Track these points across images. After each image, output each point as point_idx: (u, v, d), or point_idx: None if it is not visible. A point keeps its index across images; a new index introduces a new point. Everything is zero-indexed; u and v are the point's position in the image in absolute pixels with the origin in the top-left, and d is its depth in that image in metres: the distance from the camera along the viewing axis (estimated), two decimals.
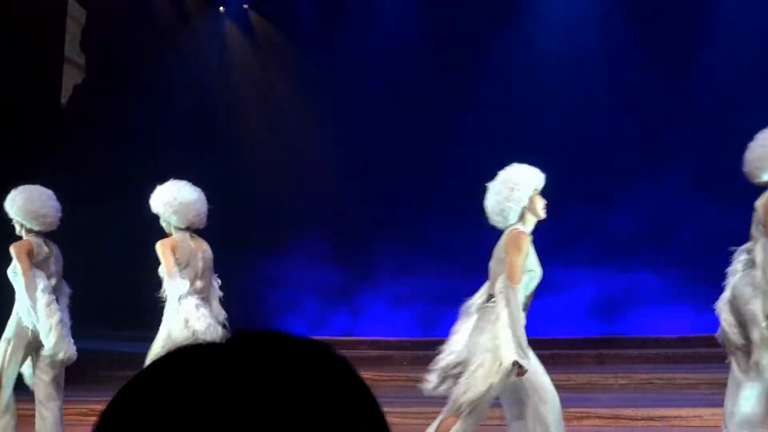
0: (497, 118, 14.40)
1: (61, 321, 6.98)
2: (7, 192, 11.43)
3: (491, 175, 14.21)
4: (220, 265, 14.09)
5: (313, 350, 0.95)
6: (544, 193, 13.61)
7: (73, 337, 7.15)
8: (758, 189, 6.13)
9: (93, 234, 12.91)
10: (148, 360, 6.00)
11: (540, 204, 6.28)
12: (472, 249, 14.33)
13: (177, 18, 15.10)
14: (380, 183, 14.71)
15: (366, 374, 9.22)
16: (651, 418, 8.37)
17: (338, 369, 0.93)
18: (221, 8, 15.52)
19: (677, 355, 11.39)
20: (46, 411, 6.77)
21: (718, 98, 13.75)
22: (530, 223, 6.30)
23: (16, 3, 11.45)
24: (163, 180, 14.26)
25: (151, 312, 12.59)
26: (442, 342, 12.26)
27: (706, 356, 11.17)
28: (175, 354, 0.88)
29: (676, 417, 8.36)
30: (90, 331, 12.35)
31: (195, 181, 14.43)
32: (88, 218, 13.26)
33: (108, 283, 12.92)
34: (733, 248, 6.57)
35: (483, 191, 13.83)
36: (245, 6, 15.56)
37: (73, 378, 8.23)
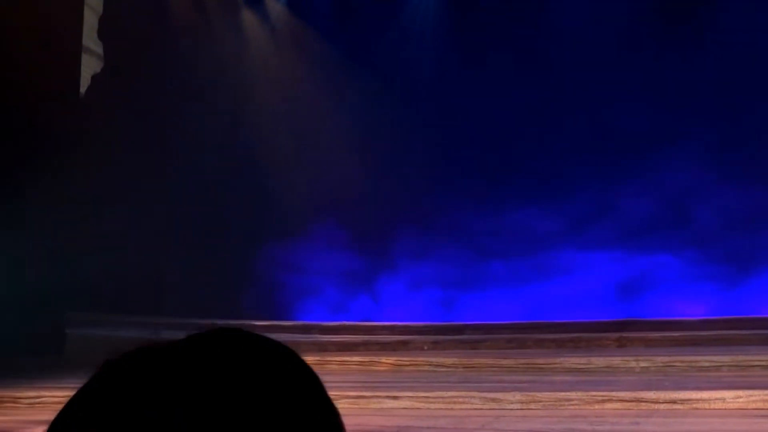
0: (513, 101, 14.30)
1: None
2: (29, 184, 11.53)
3: (509, 158, 14.30)
4: (241, 252, 14.35)
5: (260, 346, 0.92)
6: (561, 174, 13.56)
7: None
8: None
9: (112, 227, 12.95)
10: None
11: None
12: (490, 233, 14.46)
13: (194, 6, 15.01)
14: (398, 168, 14.62)
15: (386, 359, 9.20)
16: (673, 401, 8.22)
17: (284, 362, 0.91)
18: None
19: (699, 338, 11.24)
20: None
21: (734, 76, 13.57)
22: None
23: None
24: (182, 170, 14.36)
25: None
26: (462, 327, 12.43)
27: (729, 338, 11.11)
28: (130, 355, 0.88)
29: (699, 399, 8.21)
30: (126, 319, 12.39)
31: (214, 170, 14.72)
32: (108, 211, 13.30)
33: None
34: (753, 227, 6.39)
35: (500, 174, 13.85)
36: None
37: None
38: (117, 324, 12.33)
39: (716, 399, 8.10)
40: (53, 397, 8.06)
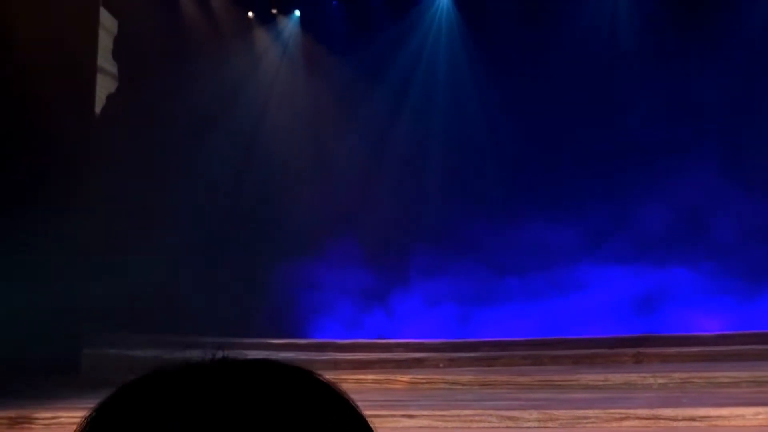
0: (528, 116, 14.31)
1: None
2: (45, 203, 11.61)
3: (523, 173, 14.27)
4: (256, 269, 14.37)
5: (297, 376, 0.86)
6: (577, 189, 13.53)
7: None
8: None
9: (127, 246, 13.04)
10: None
11: None
12: (505, 248, 14.39)
13: (207, 25, 15.11)
14: (412, 185, 14.67)
15: (402, 377, 9.13)
16: (692, 419, 8.12)
17: (325, 395, 0.87)
18: (250, 13, 15.50)
19: (717, 353, 11.11)
20: None
21: (751, 88, 13.49)
22: None
23: (49, 14, 11.49)
24: (196, 188, 14.42)
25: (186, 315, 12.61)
26: (477, 344, 12.36)
27: (747, 354, 10.97)
28: (153, 376, 0.84)
29: (718, 417, 8.10)
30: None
31: (228, 188, 14.78)
32: (123, 230, 13.36)
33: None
34: None
35: (514, 189, 13.83)
36: (274, 11, 15.54)
37: None
38: (132, 343, 12.35)
39: (736, 416, 8.00)
40: (69, 418, 8.05)
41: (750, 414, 7.83)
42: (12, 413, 8.38)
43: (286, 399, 0.83)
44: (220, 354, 0.88)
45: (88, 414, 0.85)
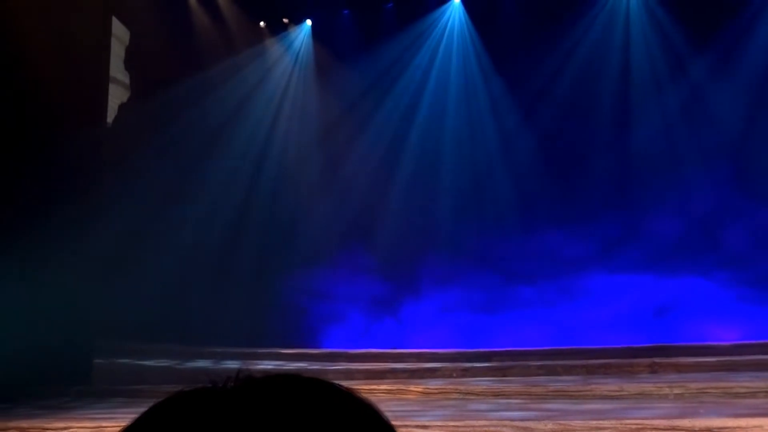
0: (539, 126, 14.31)
1: None
2: (56, 214, 11.64)
3: (535, 181, 14.16)
4: (267, 279, 14.35)
5: (320, 390, 0.85)
6: (588, 198, 13.43)
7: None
8: None
9: (138, 256, 13.06)
10: None
11: None
12: (518, 257, 14.32)
13: (219, 35, 15.15)
14: (423, 194, 14.64)
15: (415, 387, 9.03)
16: (709, 429, 8.00)
17: (365, 416, 0.85)
18: (261, 23, 15.53)
19: (733, 363, 10.98)
20: None
21: (763, 99, 13.43)
22: None
23: (61, 24, 11.54)
24: (207, 198, 14.42)
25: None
26: (490, 353, 12.28)
27: (764, 363, 10.83)
28: (181, 398, 0.82)
29: (736, 428, 7.98)
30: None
31: (239, 198, 14.78)
32: (134, 240, 13.37)
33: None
34: None
35: (527, 198, 13.72)
36: (285, 21, 15.56)
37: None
38: (143, 353, 12.36)
39: (754, 427, 7.87)
40: (81, 428, 8.03)
41: None
42: (24, 423, 8.36)
43: (314, 415, 0.82)
44: (243, 372, 0.85)
45: None
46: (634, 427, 7.99)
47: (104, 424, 7.81)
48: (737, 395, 9.42)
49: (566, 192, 14.06)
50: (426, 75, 15.08)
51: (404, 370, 11.64)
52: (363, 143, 14.87)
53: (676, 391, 9.66)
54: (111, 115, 13.83)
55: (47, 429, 8.41)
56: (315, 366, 12.06)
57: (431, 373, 11.54)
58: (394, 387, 10.53)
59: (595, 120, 14.13)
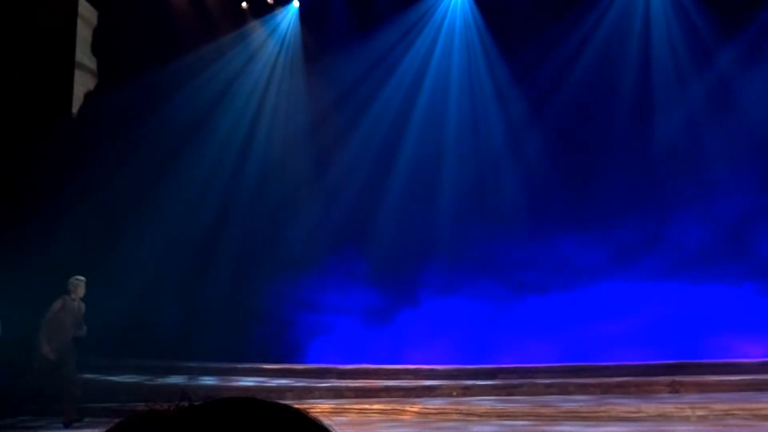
0: (551, 120, 14.33)
1: None
2: (15, 218, 11.65)
3: (546, 182, 14.19)
4: (247, 288, 14.34)
5: (288, 419, 0.87)
6: (604, 200, 13.46)
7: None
8: None
9: (106, 265, 13.08)
10: None
11: None
12: (527, 265, 14.16)
13: (197, 17, 15.15)
14: (423, 194, 14.64)
15: (411, 407, 9.09)
16: None
17: None
18: (244, 4, 15.55)
19: (762, 382, 11.09)
20: None
21: None
22: None
23: (23, 4, 11.54)
24: (183, 197, 14.43)
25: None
26: (495, 370, 12.32)
27: None
28: (134, 421, 0.86)
29: None
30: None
31: (217, 197, 14.77)
32: (104, 246, 13.38)
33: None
34: None
35: (537, 200, 13.74)
36: (270, 2, 15.58)
37: None
38: (111, 368, 12.39)
39: None
40: None
41: None
42: None
43: None
44: (184, 394, 0.88)
45: None
46: None
47: None
48: (765, 417, 9.50)
49: (580, 193, 14.10)
50: (425, 63, 15.11)
51: (399, 388, 11.68)
52: (356, 137, 14.85)
53: (699, 412, 9.73)
54: (76, 105, 13.85)
55: None
56: (301, 383, 12.08)
57: (429, 392, 11.58)
58: (389, 406, 10.58)
59: (611, 114, 14.18)
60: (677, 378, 11.38)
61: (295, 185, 14.84)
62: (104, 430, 0.87)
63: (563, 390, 11.40)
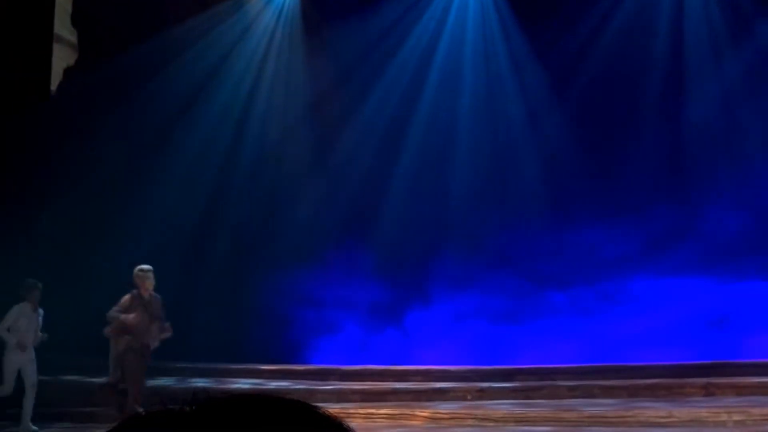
0: (574, 100, 14.32)
1: None
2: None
3: (571, 167, 14.13)
4: (241, 282, 14.36)
5: (295, 413, 0.89)
6: (633, 186, 13.43)
7: None
8: None
9: (88, 255, 13.10)
10: None
11: None
12: (548, 256, 14.00)
13: None
14: (435, 180, 14.65)
15: (421, 412, 9.16)
16: None
17: None
18: None
19: None
20: None
21: None
22: None
23: None
24: (173, 185, 14.41)
25: None
26: (513, 371, 12.36)
27: None
28: (139, 421, 0.89)
29: None
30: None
31: (210, 184, 14.74)
32: (86, 236, 13.42)
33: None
34: None
35: (560, 186, 13.65)
36: None
37: None
38: (94, 368, 12.42)
39: None
40: None
41: None
42: None
43: None
44: (203, 393, 0.90)
45: None
46: None
47: None
48: None
49: (606, 178, 14.09)
50: (437, 35, 15.09)
51: (409, 391, 11.73)
52: (361, 118, 14.84)
53: (736, 417, 9.75)
54: (55, 82, 13.87)
55: None
56: (301, 385, 12.13)
57: (441, 395, 11.61)
58: (397, 411, 10.63)
59: (640, 91, 14.19)
60: (712, 380, 11.38)
61: (294, 170, 14.88)
62: (116, 425, 0.89)
63: (587, 393, 11.40)
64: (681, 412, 9.98)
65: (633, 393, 11.28)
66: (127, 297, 9.96)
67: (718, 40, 14.28)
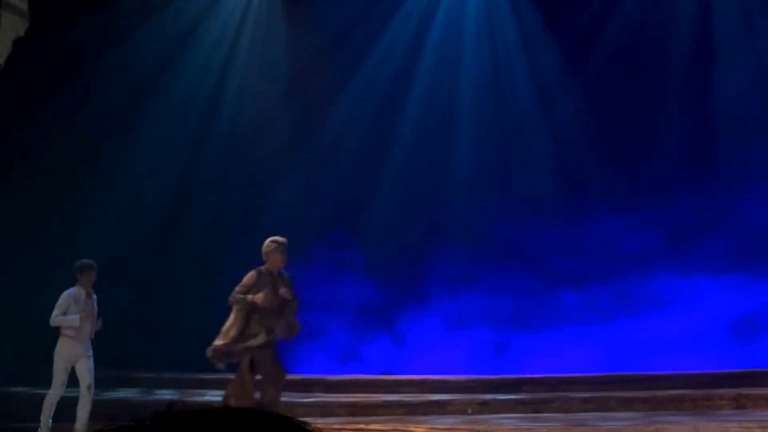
0: (592, 84, 14.38)
1: None
2: None
3: (587, 154, 14.12)
4: (214, 282, 14.34)
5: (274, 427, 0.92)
6: (655, 173, 13.41)
7: None
8: None
9: (38, 256, 13.08)
10: None
11: None
12: (560, 252, 14.01)
13: None
14: (433, 168, 14.66)
15: (416, 427, 9.10)
16: None
17: None
18: None
19: None
20: None
21: None
22: None
23: None
24: (136, 174, 14.35)
25: None
26: (520, 381, 12.35)
27: None
28: None
29: None
30: None
31: (176, 172, 14.71)
32: (37, 233, 13.40)
33: None
34: None
35: (574, 175, 13.61)
36: None
37: None
38: (46, 379, 12.39)
39: None
40: None
41: None
42: None
43: None
44: (175, 405, 0.93)
45: None
46: None
47: None
48: None
49: (624, 164, 14.13)
50: (434, 3, 15.07)
51: (402, 404, 11.74)
52: (348, 98, 14.87)
53: None
54: (3, 55, 13.82)
55: None
56: (281, 398, 12.16)
57: (439, 408, 11.59)
58: (389, 427, 10.62)
59: (663, 68, 14.24)
60: (743, 390, 11.39)
61: (273, 156, 14.84)
62: None
63: (603, 406, 11.39)
64: (709, 427, 9.98)
65: (655, 406, 11.28)
66: (251, 273, 9.36)
67: (751, 10, 14.34)
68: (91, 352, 9.77)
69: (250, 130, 15.00)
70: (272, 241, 9.32)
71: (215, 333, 13.82)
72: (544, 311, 13.72)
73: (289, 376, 13.46)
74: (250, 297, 8.91)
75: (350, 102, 14.87)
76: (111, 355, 13.44)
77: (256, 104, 15.07)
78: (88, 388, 9.57)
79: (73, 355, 9.62)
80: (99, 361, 12.66)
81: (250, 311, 9.04)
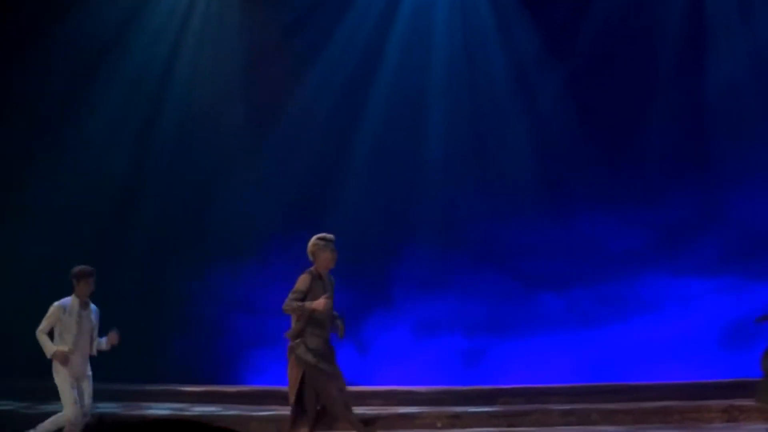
0: (578, 75, 14.40)
1: None
2: None
3: (571, 147, 14.12)
4: (162, 284, 14.22)
5: None
6: (645, 168, 13.40)
7: None
8: None
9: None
10: None
11: None
12: (540, 252, 13.94)
13: None
14: (403, 163, 14.63)
15: None
16: None
17: None
18: None
19: None
20: None
21: None
22: None
23: None
24: (78, 167, 14.28)
25: None
26: (495, 392, 12.25)
27: None
28: None
29: None
30: None
31: (122, 166, 14.60)
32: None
33: None
34: None
35: (557, 170, 13.61)
36: None
37: None
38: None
39: None
40: None
41: None
42: None
43: None
44: (107, 418, 0.72)
45: None
46: None
47: None
48: None
49: (610, 159, 14.13)
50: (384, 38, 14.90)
51: (366, 418, 11.66)
52: (310, 82, 14.81)
53: None
54: None
55: None
56: (233, 411, 12.04)
57: (406, 422, 11.57)
58: None
59: (653, 54, 14.27)
60: (734, 402, 11.39)
61: (227, 147, 14.75)
62: None
63: (584, 419, 11.39)
64: None
65: (639, 418, 11.28)
66: (304, 277, 8.84)
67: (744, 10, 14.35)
68: (89, 371, 9.40)
69: (202, 121, 15.09)
70: (320, 239, 8.84)
71: (160, 339, 13.83)
72: (522, 316, 13.70)
73: (241, 387, 13.58)
74: (308, 304, 8.54)
75: (311, 88, 14.81)
76: (46, 365, 13.31)
77: (208, 92, 15.14)
78: (83, 415, 9.13)
79: (73, 372, 9.21)
80: (30, 372, 12.59)
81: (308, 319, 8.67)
